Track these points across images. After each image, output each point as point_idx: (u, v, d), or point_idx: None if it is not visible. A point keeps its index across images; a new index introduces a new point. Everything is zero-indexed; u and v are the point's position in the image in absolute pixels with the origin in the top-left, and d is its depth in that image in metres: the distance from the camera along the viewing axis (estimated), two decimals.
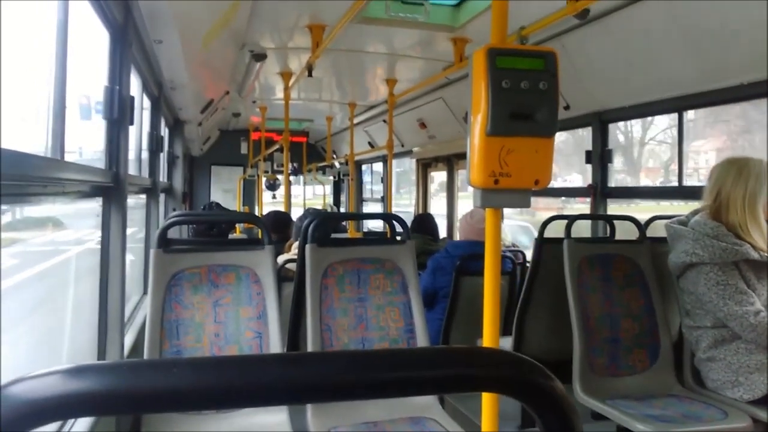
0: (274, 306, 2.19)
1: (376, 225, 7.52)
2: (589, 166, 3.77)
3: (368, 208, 8.87)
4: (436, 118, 5.50)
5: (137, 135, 3.47)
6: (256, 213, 7.76)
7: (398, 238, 2.51)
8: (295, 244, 3.31)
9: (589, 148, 3.75)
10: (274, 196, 8.61)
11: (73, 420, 1.73)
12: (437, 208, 6.67)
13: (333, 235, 3.32)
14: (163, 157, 4.50)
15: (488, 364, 0.50)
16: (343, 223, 5.95)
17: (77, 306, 2.26)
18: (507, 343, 2.85)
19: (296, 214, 4.34)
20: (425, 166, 6.94)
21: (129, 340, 2.59)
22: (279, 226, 4.15)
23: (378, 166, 8.22)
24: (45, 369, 0.43)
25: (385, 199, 6.53)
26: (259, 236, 2.30)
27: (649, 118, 3.43)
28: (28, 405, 0.41)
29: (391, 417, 2.15)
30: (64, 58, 1.62)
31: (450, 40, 3.66)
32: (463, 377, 0.50)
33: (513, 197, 1.57)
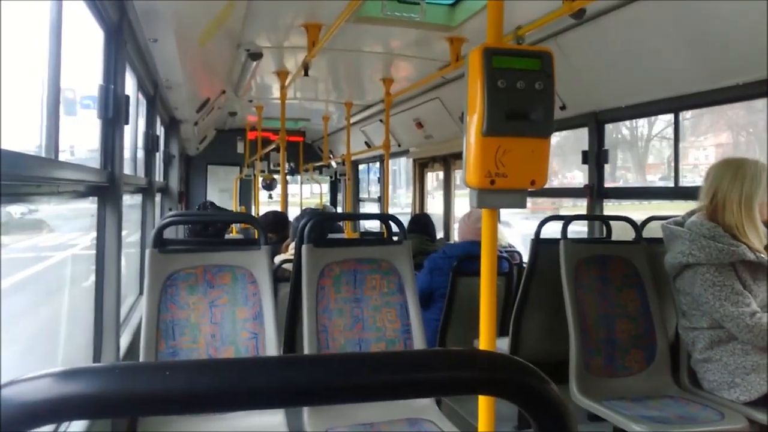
0: (271, 306, 2.18)
1: (373, 225, 7.52)
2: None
3: (366, 208, 8.86)
4: (432, 118, 5.49)
5: (133, 134, 3.46)
6: (253, 213, 7.75)
7: (395, 238, 2.50)
8: (292, 245, 3.31)
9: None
10: (270, 196, 8.60)
11: (68, 422, 1.72)
12: (438, 206, 6.63)
13: (330, 236, 3.32)
14: (158, 156, 4.49)
15: (483, 367, 0.50)
16: (340, 223, 5.95)
17: (52, 324, 2.18)
18: (503, 344, 2.85)
19: (293, 214, 4.33)
20: (422, 166, 6.94)
21: (125, 340, 2.58)
22: (277, 226, 4.14)
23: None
24: (39, 371, 0.43)
25: (382, 199, 6.52)
26: (256, 236, 2.29)
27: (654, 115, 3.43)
28: (21, 407, 0.41)
29: (387, 418, 2.14)
30: (58, 58, 1.61)
31: (446, 40, 3.66)
32: (459, 380, 0.50)
33: (509, 198, 1.56)
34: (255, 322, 2.18)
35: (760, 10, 2.18)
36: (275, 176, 8.16)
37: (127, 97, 2.35)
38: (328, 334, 2.28)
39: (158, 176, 4.67)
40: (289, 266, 2.85)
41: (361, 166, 8.96)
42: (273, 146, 7.83)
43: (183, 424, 1.99)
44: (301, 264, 2.33)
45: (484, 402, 1.53)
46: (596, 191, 3.67)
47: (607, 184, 3.75)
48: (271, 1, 3.18)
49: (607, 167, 3.71)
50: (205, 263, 2.19)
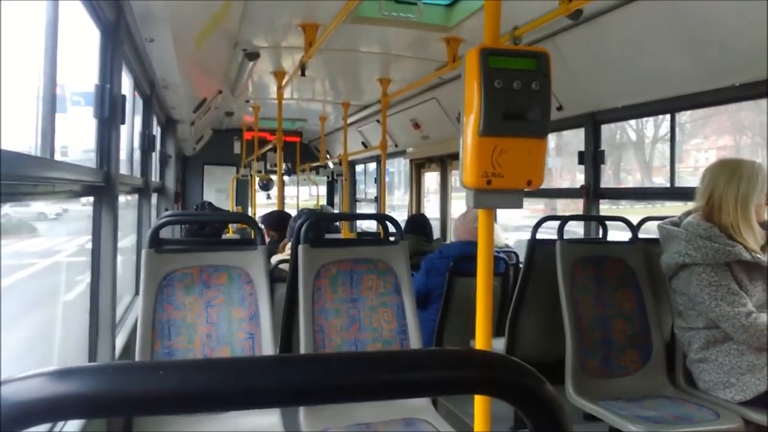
0: (267, 307, 2.18)
1: (370, 225, 7.51)
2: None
3: (363, 209, 8.86)
4: (429, 119, 5.50)
5: (129, 134, 3.45)
6: (250, 213, 7.74)
7: (392, 238, 2.50)
8: (289, 245, 3.30)
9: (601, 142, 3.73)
10: (268, 196, 8.58)
11: (63, 421, 1.72)
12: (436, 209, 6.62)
13: (326, 236, 3.32)
14: (155, 156, 4.48)
15: (479, 367, 0.50)
16: (337, 223, 5.95)
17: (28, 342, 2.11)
18: (500, 344, 2.85)
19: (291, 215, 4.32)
20: (419, 167, 6.94)
21: (120, 341, 2.57)
22: (280, 225, 4.14)
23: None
24: (32, 371, 0.43)
25: (379, 200, 6.52)
26: (252, 237, 2.29)
27: (661, 116, 3.42)
28: (13, 407, 0.41)
29: (383, 418, 2.14)
30: (54, 57, 1.61)
31: (443, 40, 3.66)
32: (454, 380, 0.50)
33: (506, 198, 1.56)
34: (251, 322, 2.18)
35: (757, 10, 2.19)
36: (272, 176, 8.15)
37: (124, 96, 2.35)
38: (324, 335, 2.28)
39: (155, 176, 4.66)
40: (285, 266, 2.84)
41: (359, 168, 8.96)
42: (270, 146, 7.82)
43: (178, 424, 1.98)
44: (297, 264, 2.32)
45: (479, 402, 1.53)
46: (592, 192, 3.67)
47: (613, 186, 3.75)
48: (268, 1, 3.18)
49: (610, 168, 3.71)
50: (201, 263, 2.18)
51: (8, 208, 1.67)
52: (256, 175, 8.06)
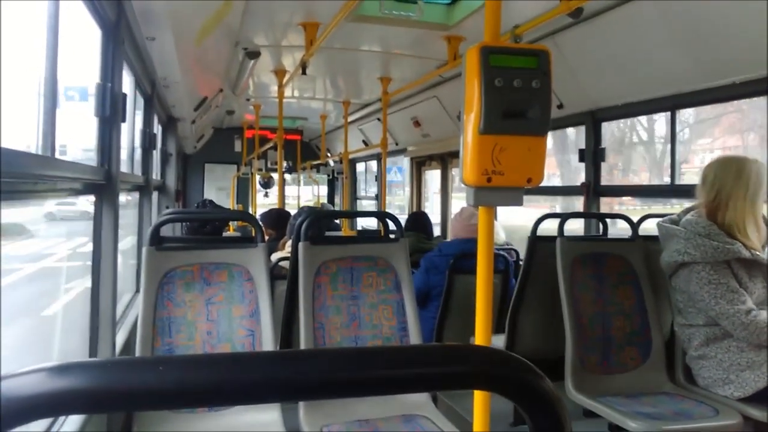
0: (267, 304, 2.19)
1: (371, 223, 7.52)
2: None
3: (363, 207, 8.85)
4: (430, 117, 5.50)
5: (130, 132, 3.45)
6: (250, 211, 7.75)
7: (392, 236, 2.51)
8: (289, 242, 3.31)
9: (610, 138, 3.73)
10: (266, 195, 8.58)
11: (63, 418, 1.72)
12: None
13: (327, 234, 3.32)
14: (156, 154, 4.48)
15: (478, 362, 0.50)
16: (337, 221, 5.96)
17: None
18: (500, 341, 2.86)
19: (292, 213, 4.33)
20: (419, 165, 6.94)
21: (121, 338, 2.58)
22: (279, 223, 4.15)
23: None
24: (31, 366, 0.43)
25: (380, 198, 6.53)
26: (253, 234, 2.29)
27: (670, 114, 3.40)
28: (12, 402, 0.41)
29: (383, 415, 2.15)
30: (55, 56, 1.61)
31: (444, 39, 3.66)
32: (454, 375, 0.50)
33: (506, 195, 1.57)
34: (251, 319, 2.18)
35: (757, 8, 2.19)
36: (272, 174, 8.16)
37: (124, 95, 2.35)
38: (324, 332, 2.28)
39: (155, 174, 4.67)
40: (285, 264, 2.85)
41: (359, 166, 8.96)
42: (270, 145, 7.83)
43: (178, 420, 1.99)
44: (298, 261, 2.33)
45: (479, 398, 1.54)
46: (593, 189, 3.68)
47: (621, 183, 3.75)
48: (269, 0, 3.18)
49: (617, 168, 3.70)
50: (202, 261, 2.19)
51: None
52: (256, 174, 8.06)
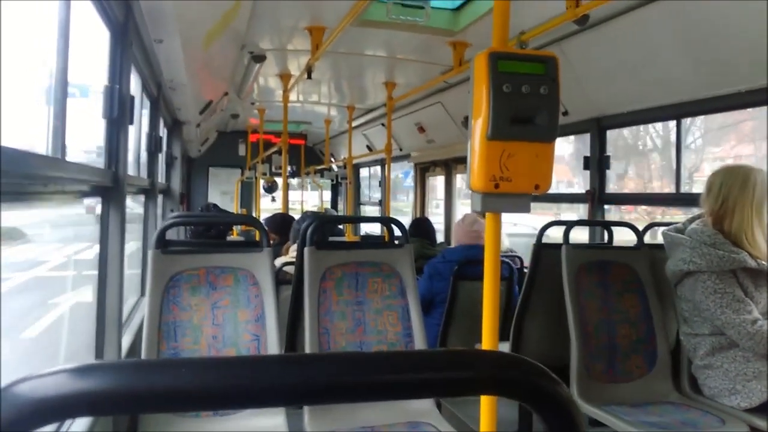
0: (272, 309, 2.18)
1: (374, 229, 7.51)
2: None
3: (367, 213, 8.85)
4: (434, 123, 5.50)
5: (136, 135, 3.46)
6: (254, 216, 7.75)
7: (396, 242, 2.50)
8: (293, 247, 3.31)
9: (624, 143, 3.72)
10: (273, 199, 8.59)
11: (71, 420, 1.72)
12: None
13: (330, 239, 3.32)
14: (161, 158, 4.49)
15: (492, 367, 0.49)
16: (340, 226, 5.95)
17: None
18: (504, 349, 2.84)
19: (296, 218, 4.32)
20: (423, 171, 6.94)
21: (126, 341, 2.57)
22: (284, 228, 4.15)
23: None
24: (49, 368, 0.43)
25: (383, 203, 6.52)
26: (257, 238, 2.29)
27: (688, 120, 3.36)
28: (31, 404, 0.41)
29: (388, 421, 2.14)
30: (66, 57, 1.62)
31: (449, 44, 3.67)
32: (464, 380, 0.49)
33: (513, 202, 1.56)
34: (257, 324, 2.18)
35: (764, 17, 2.19)
36: (277, 179, 8.16)
37: (132, 97, 2.36)
38: (329, 337, 2.28)
39: (160, 177, 4.68)
40: (290, 269, 2.85)
41: (363, 172, 8.96)
42: (275, 149, 7.83)
43: (184, 424, 1.99)
44: (303, 266, 2.33)
45: (486, 404, 1.53)
46: (597, 197, 3.67)
47: (637, 191, 3.73)
48: (276, 3, 3.19)
49: (631, 177, 3.69)
50: (208, 265, 2.19)
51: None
52: (260, 178, 8.08)
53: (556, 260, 2.62)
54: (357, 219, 7.26)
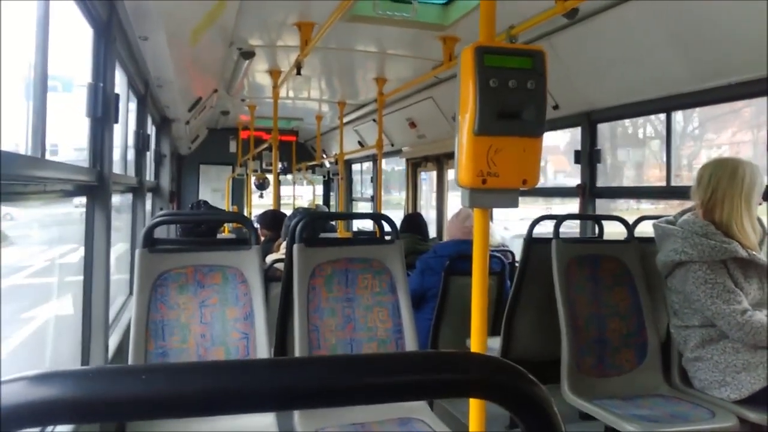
0: (261, 307, 2.17)
1: (367, 224, 7.50)
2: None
3: (359, 209, 8.84)
4: (425, 118, 5.49)
5: (123, 133, 3.43)
6: (245, 213, 7.72)
7: (387, 238, 2.49)
8: (284, 244, 3.29)
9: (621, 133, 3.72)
10: (261, 195, 8.56)
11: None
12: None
13: (322, 235, 3.31)
14: (149, 155, 4.46)
15: (472, 370, 0.49)
16: (333, 222, 5.93)
17: None
18: (495, 344, 2.84)
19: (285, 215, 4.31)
20: (415, 166, 6.93)
21: (114, 341, 2.55)
22: (277, 224, 4.14)
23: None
24: (11, 375, 0.42)
25: (375, 199, 6.51)
26: (247, 236, 2.27)
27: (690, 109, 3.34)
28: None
29: (379, 418, 2.13)
30: (45, 55, 1.59)
31: (439, 39, 3.65)
32: (449, 383, 0.49)
33: (501, 197, 1.56)
34: (245, 322, 2.16)
35: (754, 8, 2.19)
36: (268, 176, 8.14)
37: (117, 95, 2.33)
38: (319, 334, 2.27)
39: (149, 176, 4.64)
40: (281, 265, 2.83)
41: (355, 167, 8.94)
42: (265, 146, 7.80)
43: (172, 424, 1.97)
44: (292, 263, 2.31)
45: (474, 403, 1.52)
46: (588, 191, 3.67)
47: (635, 185, 3.74)
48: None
49: (630, 168, 3.69)
50: (195, 263, 2.17)
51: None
52: (251, 175, 8.04)
53: (546, 254, 2.62)
54: (347, 215, 7.24)
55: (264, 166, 8.49)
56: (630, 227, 2.78)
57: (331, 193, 10.25)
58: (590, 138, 3.66)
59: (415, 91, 5.04)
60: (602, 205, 3.78)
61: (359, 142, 7.33)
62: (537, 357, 2.62)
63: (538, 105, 1.50)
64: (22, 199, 1.58)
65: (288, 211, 4.94)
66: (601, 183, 3.71)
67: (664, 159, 3.31)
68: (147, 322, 2.08)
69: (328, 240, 2.80)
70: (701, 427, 2.12)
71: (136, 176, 3.81)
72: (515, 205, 1.59)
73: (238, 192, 9.22)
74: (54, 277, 2.32)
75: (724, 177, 2.30)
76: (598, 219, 3.07)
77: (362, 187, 8.88)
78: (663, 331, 2.63)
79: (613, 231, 2.95)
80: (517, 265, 2.97)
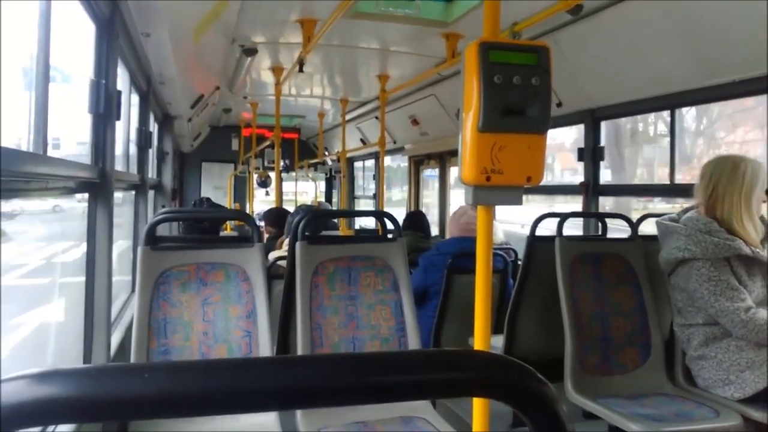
0: (264, 304, 2.16)
1: (369, 222, 7.50)
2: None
3: (361, 206, 8.83)
4: (428, 115, 5.48)
5: (125, 130, 3.43)
6: (248, 210, 7.72)
7: (390, 235, 2.48)
8: (287, 241, 3.29)
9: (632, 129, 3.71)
10: (267, 193, 8.56)
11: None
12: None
13: (324, 233, 3.30)
14: (152, 153, 4.46)
15: (477, 369, 0.49)
16: (335, 220, 5.93)
17: None
18: (498, 342, 2.83)
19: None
20: (417, 163, 6.92)
21: (116, 339, 2.55)
22: (280, 221, 4.14)
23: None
24: (12, 374, 0.41)
25: (377, 197, 6.50)
26: (250, 234, 2.27)
27: (704, 105, 3.31)
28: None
29: (381, 417, 2.13)
30: (47, 51, 1.59)
31: (442, 36, 3.64)
32: (453, 382, 0.48)
33: (505, 194, 1.55)
34: (248, 320, 2.16)
35: (758, 6, 2.18)
36: (270, 173, 8.13)
37: (119, 92, 2.32)
38: (322, 332, 2.26)
39: (151, 173, 4.64)
40: (283, 263, 2.83)
41: (357, 165, 8.93)
42: (268, 143, 7.80)
43: (175, 422, 1.96)
44: (295, 261, 2.31)
45: (478, 401, 1.52)
46: (592, 189, 3.66)
47: (645, 182, 3.72)
48: None
49: (641, 165, 3.67)
50: (198, 261, 2.16)
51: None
52: (254, 172, 8.04)
53: (550, 252, 2.61)
54: (349, 213, 7.24)
55: (266, 163, 8.49)
56: (633, 225, 2.76)
57: (333, 191, 10.25)
58: (594, 136, 3.65)
59: (417, 88, 5.03)
60: (613, 204, 3.76)
61: (362, 140, 7.32)
62: (540, 355, 2.61)
63: (543, 101, 1.49)
64: (23, 197, 1.57)
65: (291, 208, 4.94)
66: (617, 180, 3.69)
67: (687, 152, 3.28)
68: (149, 320, 2.08)
69: (331, 238, 2.80)
70: (705, 426, 2.11)
71: (138, 173, 3.80)
72: (519, 202, 1.58)
73: (241, 190, 9.22)
74: (48, 278, 2.30)
75: (725, 174, 2.29)
76: (601, 217, 3.05)
77: (365, 184, 8.87)
78: (667, 330, 2.62)
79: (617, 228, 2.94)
80: (520, 263, 2.95)
